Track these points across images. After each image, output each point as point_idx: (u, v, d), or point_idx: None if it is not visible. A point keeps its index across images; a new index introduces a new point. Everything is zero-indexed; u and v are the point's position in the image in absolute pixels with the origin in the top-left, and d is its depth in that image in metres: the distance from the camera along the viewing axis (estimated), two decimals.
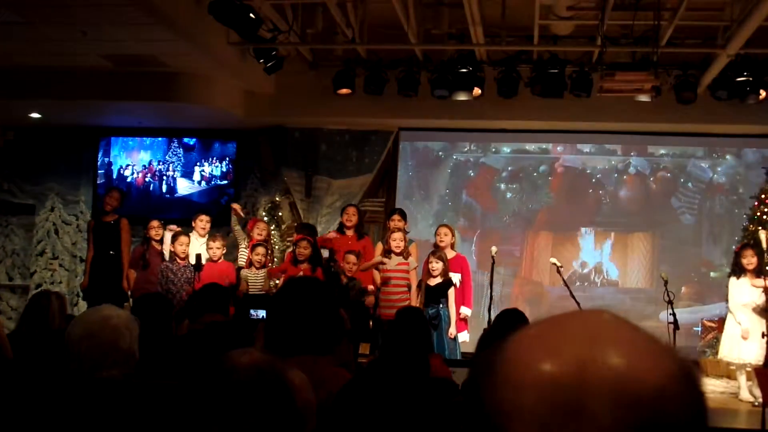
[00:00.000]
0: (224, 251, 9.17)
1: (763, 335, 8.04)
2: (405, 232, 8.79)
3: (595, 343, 0.72)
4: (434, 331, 7.92)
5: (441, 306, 8.23)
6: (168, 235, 9.49)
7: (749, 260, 8.60)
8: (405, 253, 8.55)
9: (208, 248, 9.05)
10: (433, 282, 8.23)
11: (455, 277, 8.52)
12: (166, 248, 9.31)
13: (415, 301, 8.37)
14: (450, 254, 8.69)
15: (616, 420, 0.68)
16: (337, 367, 2.39)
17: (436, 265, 8.22)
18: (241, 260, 9.44)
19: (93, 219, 10.26)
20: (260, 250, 9.00)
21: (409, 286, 8.51)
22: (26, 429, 2.54)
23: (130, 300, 9.34)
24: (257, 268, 8.94)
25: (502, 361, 0.76)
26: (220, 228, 10.12)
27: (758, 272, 8.55)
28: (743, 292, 8.58)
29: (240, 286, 8.85)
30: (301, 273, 8.35)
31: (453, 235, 8.97)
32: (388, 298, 8.42)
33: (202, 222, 9.59)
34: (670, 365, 0.73)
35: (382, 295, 8.52)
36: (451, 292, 8.33)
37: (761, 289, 8.41)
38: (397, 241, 8.52)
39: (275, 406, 1.53)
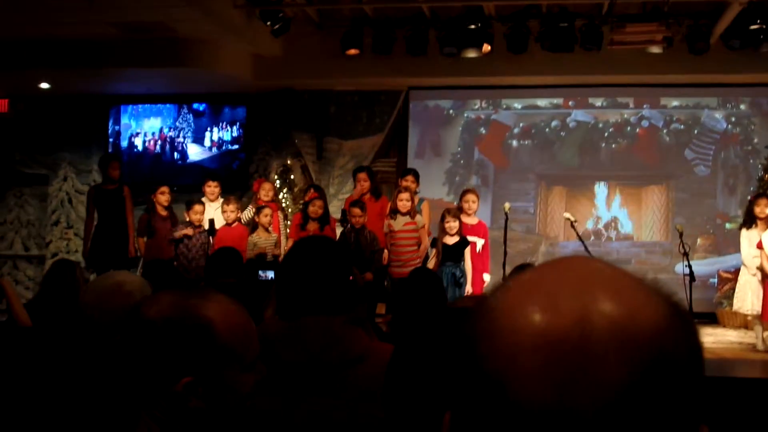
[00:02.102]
0: (238, 214, 9.13)
1: None
2: (414, 193, 8.70)
3: (590, 292, 0.72)
4: (458, 289, 7.94)
5: (462, 264, 8.21)
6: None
7: (762, 209, 8.50)
8: (412, 212, 8.47)
9: (223, 211, 9.03)
10: (450, 241, 8.19)
11: (479, 243, 8.47)
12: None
13: (431, 259, 8.35)
14: (473, 221, 8.63)
15: (621, 368, 0.68)
16: (351, 326, 2.39)
17: (453, 224, 8.15)
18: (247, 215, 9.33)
19: (94, 187, 10.13)
20: (267, 210, 8.81)
21: (418, 245, 8.46)
22: (43, 394, 2.56)
23: (140, 267, 9.34)
24: (266, 230, 8.81)
25: (491, 319, 0.75)
26: (232, 192, 10.12)
27: None
28: (755, 242, 8.49)
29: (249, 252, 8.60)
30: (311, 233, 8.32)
31: (478, 200, 8.88)
32: (398, 258, 8.38)
33: (210, 187, 9.61)
34: (663, 304, 0.74)
35: (392, 255, 8.47)
36: (467, 250, 8.30)
37: None
38: (404, 201, 8.40)
39: (194, 347, 1.53)
